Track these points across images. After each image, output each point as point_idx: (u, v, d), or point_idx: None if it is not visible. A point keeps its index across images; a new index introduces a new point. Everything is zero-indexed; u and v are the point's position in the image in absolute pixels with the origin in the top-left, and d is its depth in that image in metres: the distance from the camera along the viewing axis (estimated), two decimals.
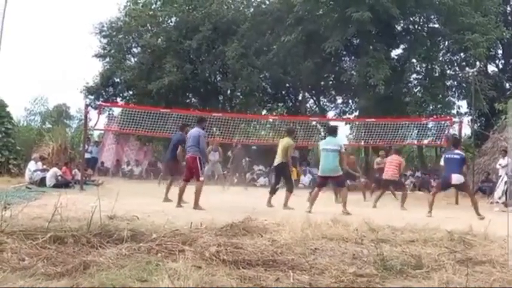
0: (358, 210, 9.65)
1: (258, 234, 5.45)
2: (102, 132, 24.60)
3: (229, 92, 24.48)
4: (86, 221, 5.10)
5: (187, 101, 25.43)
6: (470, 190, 11.31)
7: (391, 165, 11.94)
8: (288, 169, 10.99)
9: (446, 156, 10.26)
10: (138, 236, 4.89)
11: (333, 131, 10.57)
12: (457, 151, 10.27)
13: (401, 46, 23.55)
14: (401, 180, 13.56)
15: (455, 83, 23.02)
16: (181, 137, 11.29)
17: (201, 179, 9.85)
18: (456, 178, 9.89)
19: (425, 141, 19.63)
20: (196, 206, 9.48)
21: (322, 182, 10.36)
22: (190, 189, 9.98)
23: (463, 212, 10.10)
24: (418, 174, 21.97)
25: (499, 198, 12.44)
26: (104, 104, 20.83)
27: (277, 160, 10.74)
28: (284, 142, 10.75)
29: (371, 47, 21.16)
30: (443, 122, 17.15)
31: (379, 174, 13.45)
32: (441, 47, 23.09)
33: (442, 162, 10.43)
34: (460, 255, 4.68)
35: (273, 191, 10.76)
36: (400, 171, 12.16)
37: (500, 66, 25.69)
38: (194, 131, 10.11)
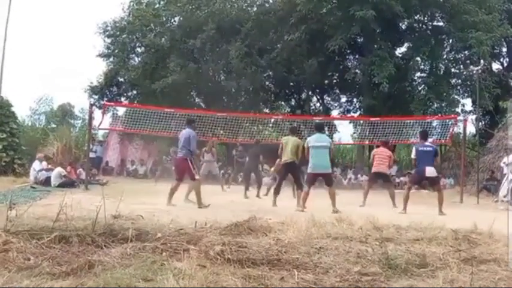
0: (360, 209, 9.62)
1: (263, 233, 5.44)
2: (107, 131, 24.64)
3: (233, 91, 24.45)
4: (90, 220, 5.11)
5: (191, 100, 25.42)
6: (440, 185, 11.35)
7: (380, 158, 11.81)
8: (297, 168, 10.80)
9: (419, 149, 10.17)
10: (143, 235, 4.91)
11: (320, 128, 10.41)
12: (428, 143, 10.34)
13: (406, 44, 23.51)
14: (390, 175, 13.54)
15: (459, 81, 22.93)
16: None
17: (197, 177, 9.99)
18: (430, 171, 9.93)
19: (430, 140, 19.55)
20: (200, 204, 9.54)
21: (313, 180, 10.04)
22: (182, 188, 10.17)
23: (468, 211, 10.06)
24: None
25: (504, 196, 12.40)
26: (108, 103, 20.83)
27: (287, 158, 10.28)
28: (294, 140, 10.42)
29: (375, 46, 21.16)
30: (447, 120, 17.12)
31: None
32: (445, 45, 23.02)
33: (413, 155, 10.32)
34: (465, 254, 4.66)
35: (277, 191, 10.52)
36: (389, 164, 12.11)
37: (505, 64, 25.65)
38: (185, 132, 10.09)
